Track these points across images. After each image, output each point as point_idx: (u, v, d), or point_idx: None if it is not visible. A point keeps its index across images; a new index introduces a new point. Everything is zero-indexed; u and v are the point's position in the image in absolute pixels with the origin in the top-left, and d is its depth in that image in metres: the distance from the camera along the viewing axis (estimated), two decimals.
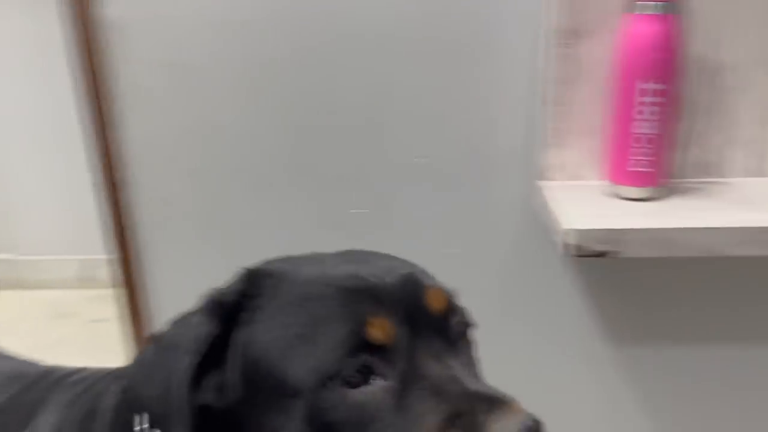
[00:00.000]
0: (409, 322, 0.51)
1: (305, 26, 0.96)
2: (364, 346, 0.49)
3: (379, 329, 0.49)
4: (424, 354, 0.51)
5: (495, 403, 0.47)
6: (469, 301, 0.60)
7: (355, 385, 0.48)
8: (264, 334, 0.51)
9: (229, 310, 0.52)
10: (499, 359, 0.68)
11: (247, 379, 0.51)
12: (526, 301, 1.06)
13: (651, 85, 0.84)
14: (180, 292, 1.10)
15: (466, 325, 0.56)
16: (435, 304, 0.54)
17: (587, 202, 0.90)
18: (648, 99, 0.84)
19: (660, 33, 0.82)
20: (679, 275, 1.01)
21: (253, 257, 1.07)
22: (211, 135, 1.02)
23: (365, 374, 0.49)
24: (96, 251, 1.60)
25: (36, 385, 0.71)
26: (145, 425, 0.54)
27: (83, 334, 2.05)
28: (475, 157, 1.01)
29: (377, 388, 0.49)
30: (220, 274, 1.07)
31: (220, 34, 0.96)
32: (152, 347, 0.54)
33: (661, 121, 0.85)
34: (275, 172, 1.03)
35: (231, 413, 0.52)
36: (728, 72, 0.91)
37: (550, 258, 1.03)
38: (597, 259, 0.85)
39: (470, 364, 0.55)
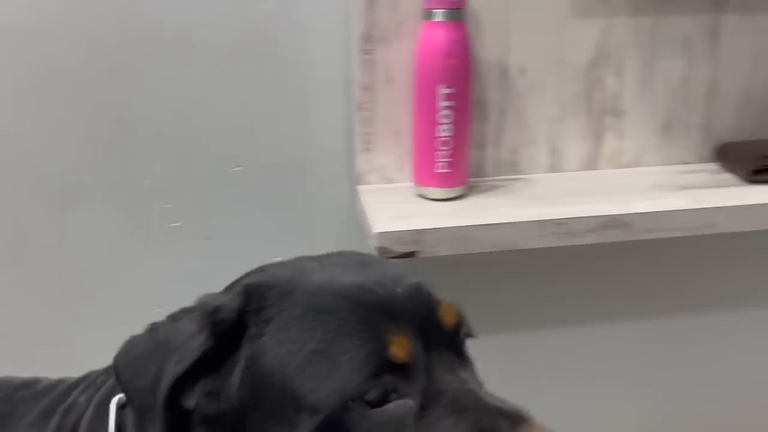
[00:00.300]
0: (423, 337, 0.50)
1: (102, 32, 0.91)
2: (386, 366, 0.48)
3: (400, 348, 0.48)
4: (439, 369, 0.50)
5: (516, 420, 0.47)
6: None
7: (375, 405, 0.47)
8: (276, 347, 0.49)
9: (227, 326, 0.50)
10: None
11: (255, 391, 0.50)
12: None
13: (446, 90, 0.87)
14: None
15: (469, 335, 0.57)
16: (448, 318, 0.53)
17: (397, 205, 0.92)
18: (444, 103, 0.87)
19: (450, 39, 0.86)
20: (489, 269, 1.07)
21: (58, 281, 1.01)
22: None
23: (387, 395, 0.48)
24: None
25: None
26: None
27: None
28: (294, 164, 1.01)
29: (398, 406, 0.48)
30: (17, 302, 1.00)
31: None
32: (145, 337, 0.53)
33: (457, 123, 0.89)
34: (79, 187, 0.97)
35: (224, 418, 0.51)
36: (519, 75, 0.97)
37: None
38: (421, 259, 0.87)
39: (477, 375, 0.56)
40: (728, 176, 1.00)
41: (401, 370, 0.48)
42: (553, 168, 1.03)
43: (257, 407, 0.50)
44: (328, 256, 0.58)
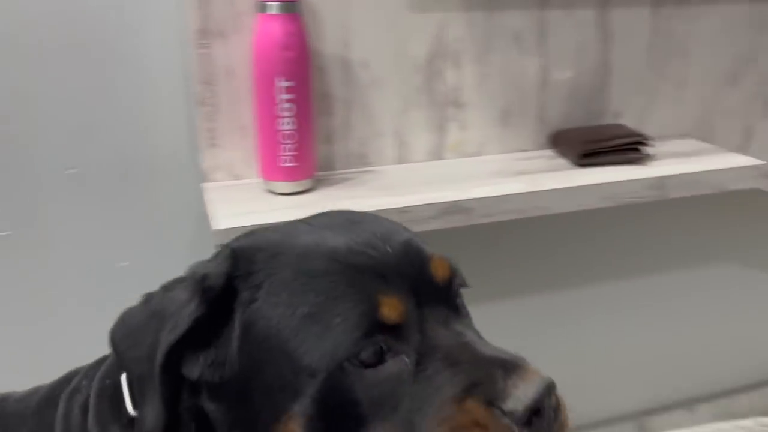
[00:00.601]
0: (415, 294, 0.50)
1: None
2: (378, 327, 0.48)
3: (392, 309, 0.48)
4: (433, 324, 0.50)
5: (510, 368, 0.47)
6: None
7: (371, 365, 0.48)
8: (269, 311, 0.50)
9: (216, 292, 0.50)
10: None
11: (253, 357, 0.50)
12: None
13: (285, 83, 0.87)
14: None
15: (463, 285, 0.56)
16: (440, 272, 0.53)
17: (243, 201, 0.91)
18: (285, 96, 0.87)
19: (286, 32, 0.86)
20: None
21: None
22: None
23: (382, 354, 0.48)
24: None
25: None
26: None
27: None
28: (135, 164, 0.96)
29: (393, 365, 0.48)
30: None
31: None
32: (140, 308, 0.54)
33: (300, 117, 0.89)
34: None
35: (231, 385, 0.51)
36: (362, 69, 0.99)
37: None
38: None
39: (472, 324, 0.56)
40: (561, 161, 1.07)
41: (394, 330, 0.49)
42: (402, 159, 1.06)
43: (258, 373, 0.50)
44: (318, 216, 0.58)
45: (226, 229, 0.82)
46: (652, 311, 1.31)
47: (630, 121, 1.14)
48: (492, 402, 0.46)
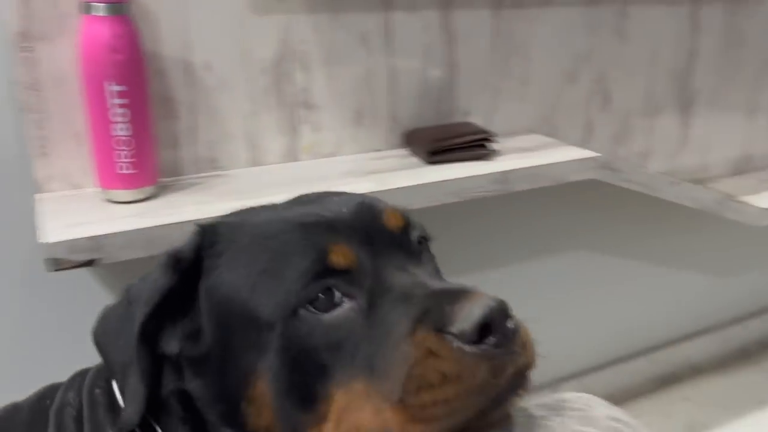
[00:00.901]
0: (369, 244, 0.52)
1: None
2: (327, 272, 0.50)
3: (340, 255, 0.50)
4: (389, 269, 0.51)
5: (458, 294, 0.48)
6: None
7: (325, 311, 0.49)
8: (229, 275, 0.52)
9: (187, 264, 0.53)
10: None
11: (219, 322, 0.52)
12: (48, 326, 0.99)
13: (116, 87, 0.83)
14: None
15: (426, 239, 0.58)
16: (393, 221, 0.55)
17: (78, 212, 0.86)
18: (117, 101, 0.84)
19: (114, 34, 0.82)
20: None
21: None
22: None
23: (334, 299, 0.49)
24: None
25: None
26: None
27: None
28: None
29: (347, 308, 0.50)
30: None
31: None
32: (118, 302, 0.56)
33: (136, 122, 0.86)
34: None
35: (208, 359, 0.52)
36: (206, 71, 0.96)
37: (70, 275, 0.97)
38: (104, 265, 0.82)
39: (436, 271, 0.57)
40: (413, 159, 1.10)
41: (345, 275, 0.50)
42: (255, 162, 1.04)
43: (227, 339, 0.52)
44: (286, 200, 0.60)
45: (56, 243, 0.78)
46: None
47: (478, 119, 1.19)
48: (441, 329, 0.46)
